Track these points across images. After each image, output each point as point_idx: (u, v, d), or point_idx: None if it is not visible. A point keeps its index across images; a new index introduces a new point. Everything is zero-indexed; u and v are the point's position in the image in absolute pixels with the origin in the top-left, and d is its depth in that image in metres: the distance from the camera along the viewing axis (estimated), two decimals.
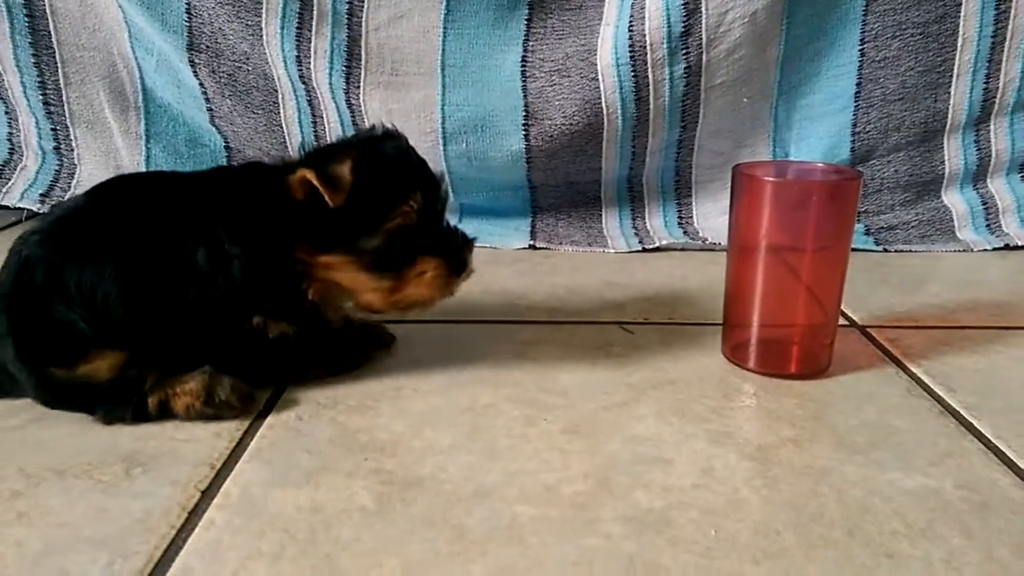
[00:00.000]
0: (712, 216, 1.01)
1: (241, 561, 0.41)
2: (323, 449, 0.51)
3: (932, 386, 0.60)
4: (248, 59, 0.97)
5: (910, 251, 0.94)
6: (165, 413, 0.54)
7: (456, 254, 0.58)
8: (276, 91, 0.98)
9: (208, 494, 0.46)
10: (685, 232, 0.99)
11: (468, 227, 1.00)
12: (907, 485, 0.47)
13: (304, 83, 0.96)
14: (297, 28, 0.94)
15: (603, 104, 0.93)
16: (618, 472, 0.48)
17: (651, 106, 0.93)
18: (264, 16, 0.94)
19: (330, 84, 0.94)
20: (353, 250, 0.55)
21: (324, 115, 0.98)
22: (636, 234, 1.00)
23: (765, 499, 0.45)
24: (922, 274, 0.86)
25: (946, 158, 0.97)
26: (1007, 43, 0.92)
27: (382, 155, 0.57)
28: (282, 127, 1.00)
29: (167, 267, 0.54)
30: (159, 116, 1.04)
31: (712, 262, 0.91)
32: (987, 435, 0.53)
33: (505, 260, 0.93)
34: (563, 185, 1.02)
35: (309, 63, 0.94)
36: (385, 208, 0.55)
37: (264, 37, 0.95)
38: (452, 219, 1.03)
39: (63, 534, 0.43)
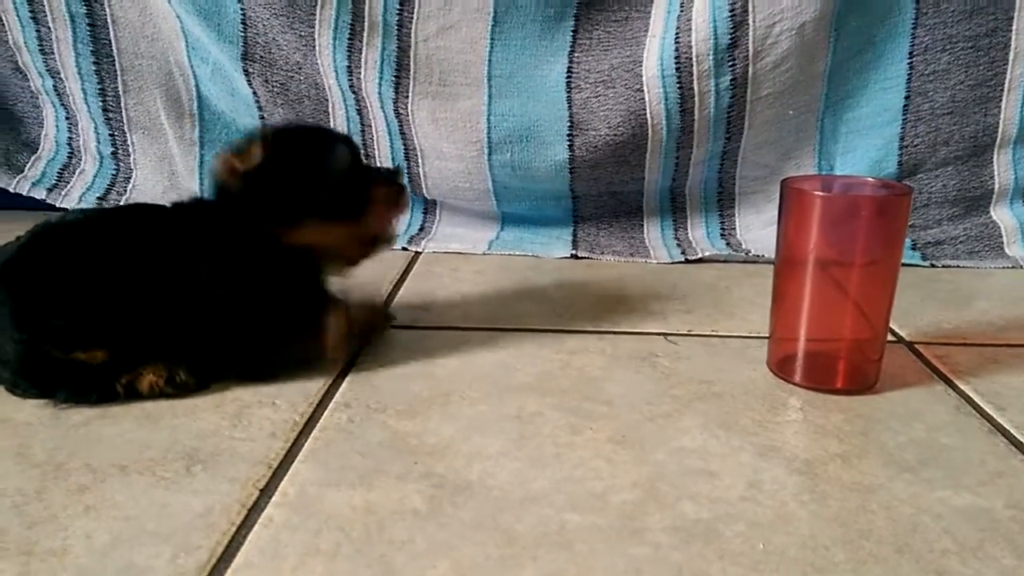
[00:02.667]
0: (755, 228, 1.01)
1: (300, 558, 0.42)
2: (374, 452, 0.53)
3: (981, 404, 0.59)
4: (300, 69, 0.99)
5: (958, 267, 0.93)
6: (132, 394, 0.58)
7: (391, 175, 0.67)
8: (327, 100, 1.00)
9: (266, 492, 0.48)
10: (728, 243, 1.00)
11: (510, 236, 1.03)
12: (957, 503, 0.47)
13: (354, 93, 0.98)
14: (349, 39, 0.96)
15: (648, 115, 0.93)
16: (665, 483, 0.49)
17: (696, 117, 0.94)
18: (317, 27, 0.96)
19: (379, 94, 0.97)
20: (315, 209, 0.61)
21: (372, 124, 1.00)
22: (678, 245, 1.00)
23: (813, 514, 0.46)
24: (970, 290, 0.85)
25: (996, 173, 0.95)
26: None
27: (294, 129, 0.67)
28: None
29: (180, 279, 0.59)
30: (213, 123, 1.07)
31: (755, 274, 0.91)
32: None
33: (547, 268, 0.94)
34: (605, 195, 1.02)
35: (360, 73, 0.96)
36: (322, 161, 0.62)
37: (316, 48, 0.97)
38: (495, 226, 1.05)
39: (129, 528, 0.45)
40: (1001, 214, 0.96)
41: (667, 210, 1.04)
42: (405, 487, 0.48)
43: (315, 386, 0.62)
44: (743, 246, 0.98)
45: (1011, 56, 0.92)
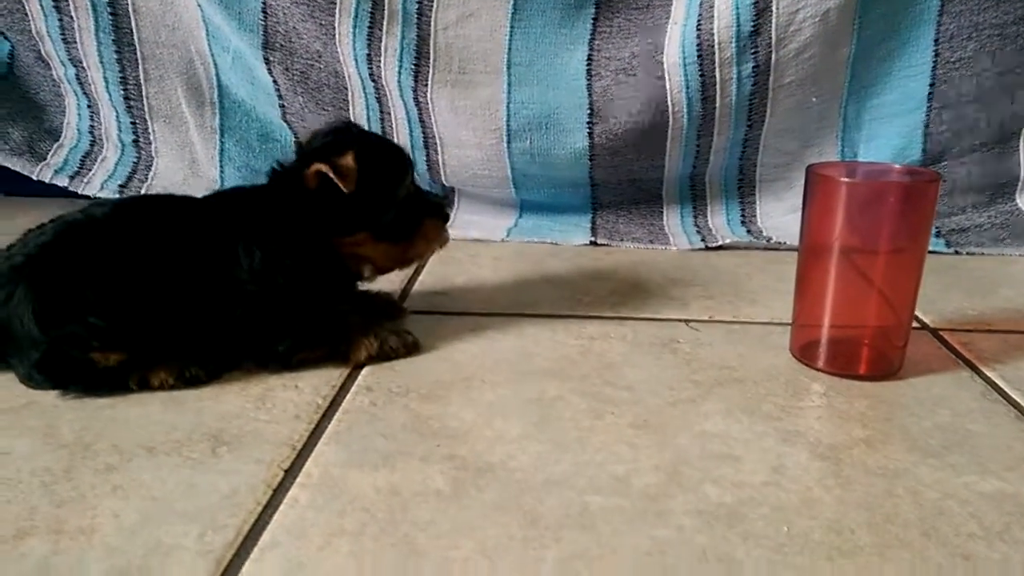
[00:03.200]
0: (776, 215, 1.00)
1: (325, 538, 0.42)
2: (397, 434, 0.53)
3: (1008, 390, 0.59)
4: (320, 57, 1.00)
5: (982, 254, 0.92)
6: (143, 387, 0.59)
7: (441, 210, 0.70)
8: (346, 89, 1.01)
9: (291, 473, 0.48)
10: (748, 231, 0.99)
11: (528, 223, 1.03)
12: (983, 488, 0.46)
13: (374, 81, 0.98)
14: (369, 27, 0.96)
15: (669, 103, 0.93)
16: (688, 467, 0.49)
17: (717, 105, 0.93)
18: (337, 16, 0.96)
19: (399, 82, 0.97)
20: (373, 226, 0.64)
21: (392, 112, 1.00)
22: (698, 232, 0.99)
23: (838, 498, 0.45)
24: (995, 277, 0.84)
25: (1021, 161, 0.94)
26: None
27: (373, 143, 0.67)
28: None
29: (210, 279, 0.60)
30: (233, 112, 1.07)
31: (776, 261, 0.91)
32: None
33: (566, 255, 0.94)
34: (625, 183, 1.02)
35: (379, 62, 0.96)
36: (392, 185, 0.64)
37: (336, 36, 0.97)
38: (513, 213, 1.05)
39: (156, 507, 0.45)
40: None
41: (687, 197, 1.03)
42: (428, 469, 0.49)
43: (337, 370, 0.62)
44: (764, 233, 0.97)
45: None
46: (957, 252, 0.92)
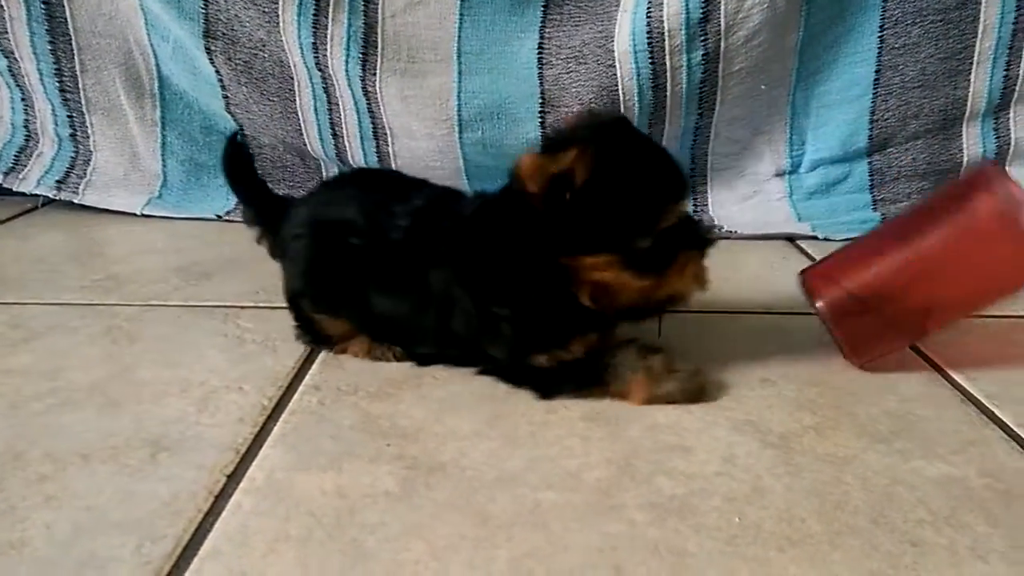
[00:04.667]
0: (728, 204, 1.01)
1: (269, 544, 0.41)
2: (346, 435, 0.51)
3: (953, 375, 0.60)
4: (264, 46, 0.97)
5: None
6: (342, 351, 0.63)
7: (704, 245, 0.55)
8: (292, 78, 0.98)
9: (234, 478, 0.47)
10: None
11: None
12: (930, 473, 0.47)
13: (320, 70, 0.96)
14: (314, 15, 0.93)
15: (620, 91, 0.92)
16: (640, 459, 0.49)
17: (668, 93, 0.93)
18: (281, 3, 0.93)
19: (346, 71, 0.94)
20: (621, 250, 0.51)
21: (340, 102, 0.98)
22: None
23: (788, 487, 0.46)
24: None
25: (964, 146, 0.96)
26: None
27: (646, 151, 0.54)
28: (297, 114, 1.00)
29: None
30: (175, 103, 1.04)
31: (726, 250, 0.91)
32: (1009, 423, 0.52)
33: None
34: None
35: (325, 50, 0.94)
36: (656, 208, 0.52)
37: (281, 24, 0.95)
38: None
39: (91, 518, 0.43)
40: None
41: None
42: (377, 470, 0.47)
43: (283, 369, 0.61)
44: (715, 222, 0.98)
45: (980, 29, 0.92)
46: None
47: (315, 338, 0.64)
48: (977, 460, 0.48)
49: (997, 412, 0.54)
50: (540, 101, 0.95)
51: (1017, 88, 0.93)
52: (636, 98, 0.93)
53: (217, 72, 0.98)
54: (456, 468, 0.48)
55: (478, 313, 0.55)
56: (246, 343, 0.65)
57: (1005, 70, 0.93)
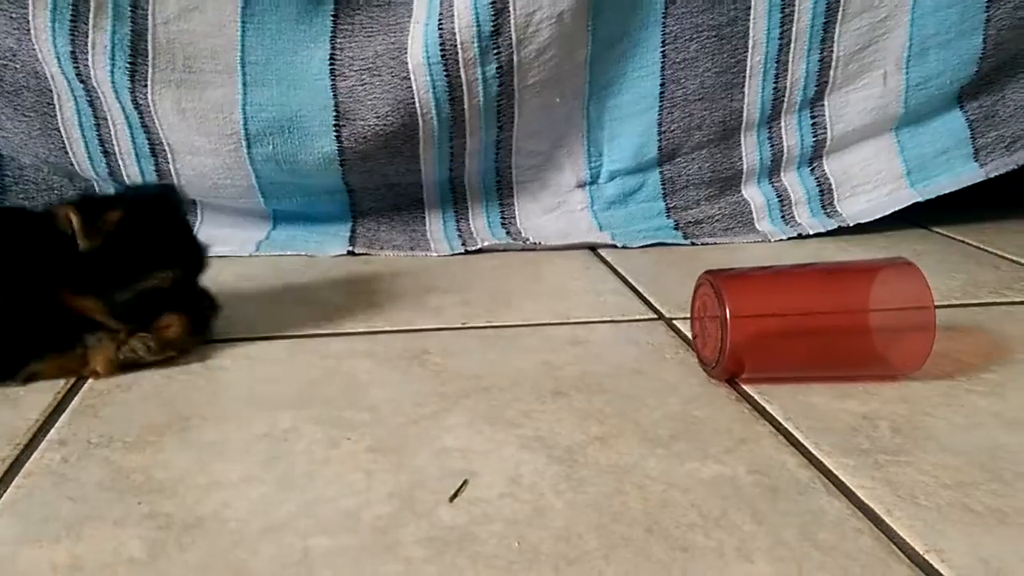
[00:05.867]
0: (533, 216, 1.01)
1: None
2: (89, 495, 0.45)
3: None
4: (15, 55, 0.86)
5: (715, 243, 0.99)
6: None
7: (202, 317, 0.65)
8: (50, 91, 0.88)
9: None
10: (508, 232, 0.99)
11: (282, 235, 0.96)
12: (703, 474, 0.48)
13: (82, 82, 0.86)
14: (72, 21, 0.84)
15: (417, 104, 0.90)
16: (423, 489, 0.46)
17: (466, 106, 0.92)
18: (31, 7, 0.83)
19: (112, 82, 0.86)
20: (105, 299, 0.60)
21: (109, 116, 0.89)
22: (460, 236, 0.98)
23: (569, 503, 0.45)
24: (725, 264, 0.91)
25: (744, 154, 1.02)
26: (792, 45, 0.99)
27: (155, 214, 0.63)
28: (60, 131, 0.90)
29: None
30: None
31: (532, 262, 0.92)
32: (778, 418, 0.55)
33: (321, 268, 0.89)
34: (383, 188, 0.98)
35: (87, 59, 0.85)
36: (144, 269, 0.60)
37: (32, 31, 0.84)
38: (266, 226, 0.98)
39: None
40: (751, 192, 1.04)
41: (448, 201, 1.02)
42: (123, 533, 0.42)
43: (24, 424, 0.53)
44: (522, 234, 0.98)
45: (750, 44, 0.98)
46: (693, 243, 0.98)
47: None
48: (747, 457, 0.50)
49: (768, 408, 0.57)
50: (335, 114, 0.91)
51: (786, 99, 1.01)
52: (434, 111, 0.91)
53: None
54: (217, 522, 0.43)
55: None
56: None
57: (775, 82, 1.00)
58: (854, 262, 0.64)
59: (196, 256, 0.65)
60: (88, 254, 0.57)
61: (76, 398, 0.57)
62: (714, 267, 0.62)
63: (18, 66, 0.86)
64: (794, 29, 0.98)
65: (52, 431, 0.52)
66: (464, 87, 0.91)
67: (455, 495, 0.46)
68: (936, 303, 0.57)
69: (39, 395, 0.57)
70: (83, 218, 0.57)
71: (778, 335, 0.58)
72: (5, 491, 0.46)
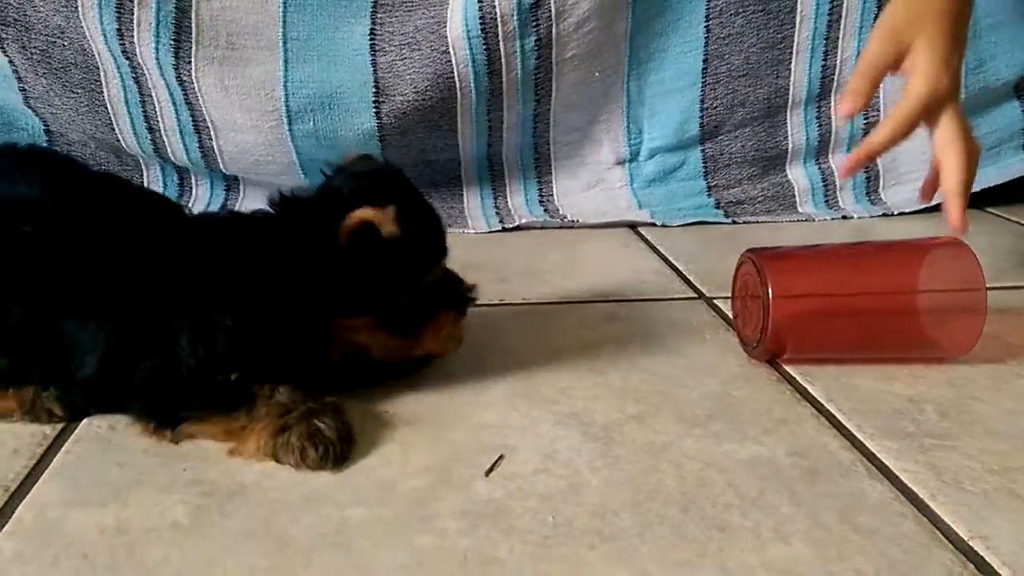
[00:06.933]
0: (571, 193, 1.01)
1: None
2: (137, 461, 0.46)
3: None
4: (63, 33, 0.88)
5: (757, 222, 0.97)
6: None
7: (463, 304, 0.57)
8: (97, 68, 0.90)
9: None
10: (546, 210, 0.99)
11: None
12: (741, 455, 0.47)
13: (128, 59, 0.88)
14: None
15: (456, 78, 0.90)
16: (460, 463, 0.47)
17: (504, 79, 0.91)
18: None
19: (157, 60, 0.87)
20: (378, 309, 0.52)
21: (154, 93, 0.90)
22: (497, 213, 0.98)
23: (605, 480, 0.45)
24: (767, 244, 0.89)
25: (789, 133, 1.00)
26: (843, 21, 0.96)
27: (415, 203, 0.54)
28: (106, 107, 0.92)
29: None
30: None
31: (570, 240, 0.91)
32: (820, 400, 0.54)
33: None
34: (420, 164, 0.98)
35: (132, 37, 0.86)
36: (420, 265, 0.53)
37: (80, 9, 0.86)
38: None
39: None
40: (796, 173, 1.01)
41: (486, 178, 1.01)
42: (167, 499, 0.43)
43: None
44: (560, 212, 0.98)
45: (798, 19, 0.96)
46: (734, 222, 0.96)
47: None
48: (787, 439, 0.49)
49: (810, 389, 0.56)
50: (374, 89, 0.91)
51: (836, 78, 0.98)
52: (472, 84, 0.91)
53: (11, 62, 0.89)
54: (258, 491, 0.44)
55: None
56: None
57: (823, 60, 0.97)
58: (903, 241, 0.62)
59: (443, 235, 0.56)
60: (354, 266, 0.50)
61: None
62: (756, 246, 0.61)
63: (66, 43, 0.88)
64: (845, 4, 0.95)
65: None
66: (503, 60, 0.90)
67: (491, 469, 0.46)
68: (987, 284, 0.55)
69: None
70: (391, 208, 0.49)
71: (821, 315, 0.57)
72: (55, 456, 0.47)
